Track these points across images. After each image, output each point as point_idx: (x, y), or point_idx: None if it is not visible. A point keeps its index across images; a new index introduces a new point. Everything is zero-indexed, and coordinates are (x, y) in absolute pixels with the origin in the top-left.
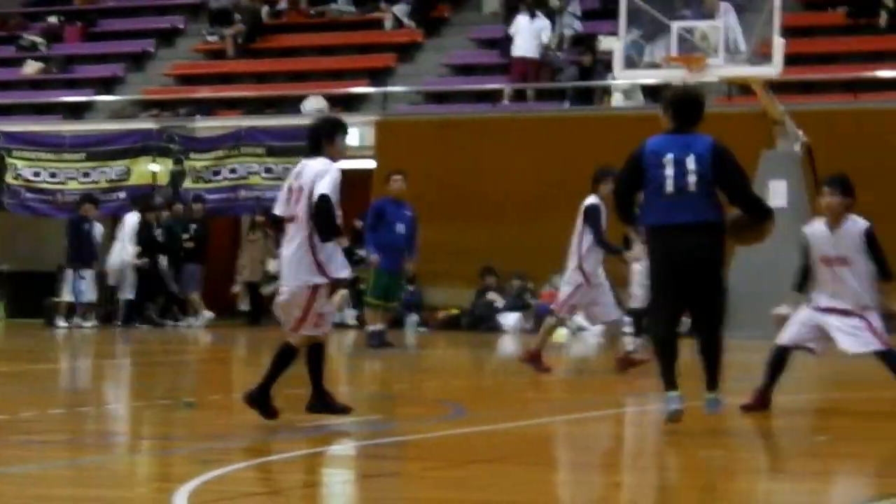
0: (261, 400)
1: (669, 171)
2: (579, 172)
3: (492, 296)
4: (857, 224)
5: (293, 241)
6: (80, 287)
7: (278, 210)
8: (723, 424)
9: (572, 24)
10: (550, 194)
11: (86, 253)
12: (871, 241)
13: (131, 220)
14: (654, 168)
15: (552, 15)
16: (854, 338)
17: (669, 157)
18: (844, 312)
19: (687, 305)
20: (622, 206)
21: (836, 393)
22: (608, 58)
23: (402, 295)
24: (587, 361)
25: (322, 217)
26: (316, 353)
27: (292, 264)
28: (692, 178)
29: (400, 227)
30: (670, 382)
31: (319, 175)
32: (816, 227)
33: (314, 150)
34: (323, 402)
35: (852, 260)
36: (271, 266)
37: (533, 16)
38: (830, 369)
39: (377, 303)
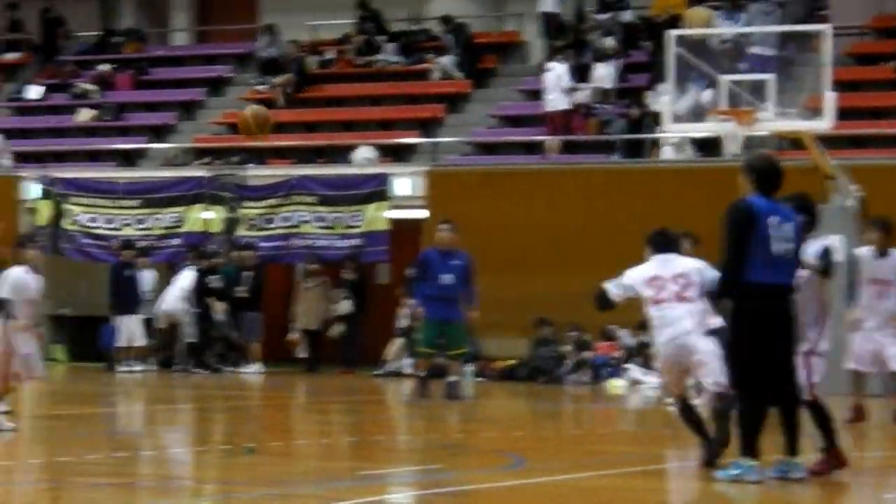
0: None
1: (774, 233)
2: (628, 224)
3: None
4: None
5: None
6: (119, 332)
7: None
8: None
9: (609, 78)
10: (600, 246)
11: (127, 299)
12: None
13: (188, 273)
14: (762, 229)
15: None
16: None
17: (774, 220)
18: None
19: (779, 365)
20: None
21: None
22: (656, 111)
23: (466, 343)
24: (646, 414)
25: None
26: None
27: None
28: (790, 245)
29: (446, 278)
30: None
31: None
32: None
33: None
34: None
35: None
36: (340, 307)
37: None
38: None
39: (425, 351)
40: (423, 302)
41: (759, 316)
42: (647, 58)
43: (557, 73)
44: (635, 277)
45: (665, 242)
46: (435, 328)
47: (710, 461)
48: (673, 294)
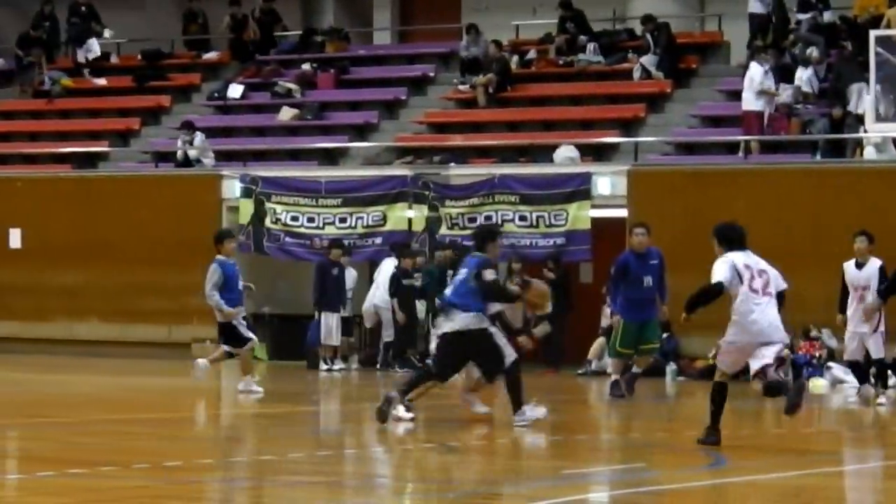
0: None
1: None
2: (830, 225)
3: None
4: None
5: None
6: (320, 331)
7: None
8: None
9: (810, 81)
10: (801, 246)
11: (333, 297)
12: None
13: (388, 265)
14: None
15: (793, 66)
16: None
17: None
18: None
19: None
20: None
21: None
22: (861, 111)
23: (658, 341)
24: (848, 413)
25: None
26: None
27: None
28: None
29: (648, 280)
30: None
31: None
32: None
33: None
34: None
35: None
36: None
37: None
38: None
39: (625, 352)
40: (624, 305)
41: None
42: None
43: (751, 74)
44: None
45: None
46: (636, 330)
47: None
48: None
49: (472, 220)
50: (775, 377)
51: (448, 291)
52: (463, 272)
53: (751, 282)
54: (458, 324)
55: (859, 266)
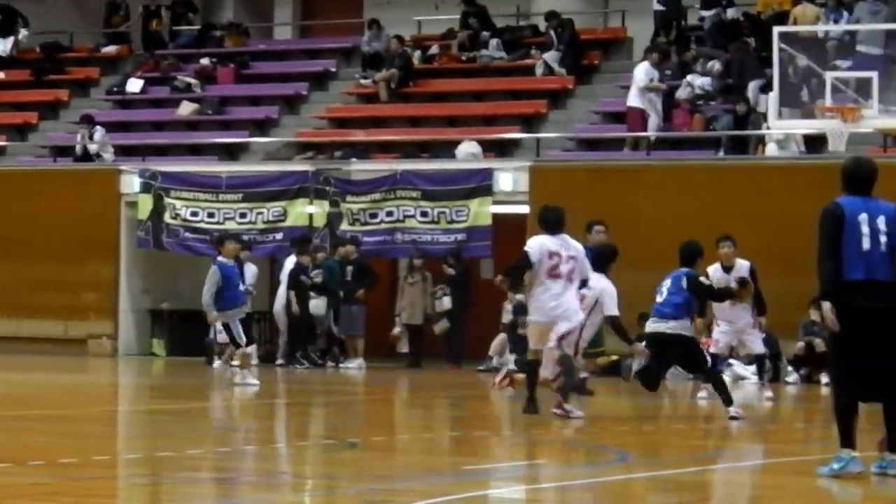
0: None
1: (865, 230)
2: (733, 220)
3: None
4: None
5: None
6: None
7: None
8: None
9: (699, 83)
10: (702, 242)
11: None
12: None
13: (291, 263)
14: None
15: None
16: None
17: (864, 217)
18: None
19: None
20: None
21: None
22: (760, 107)
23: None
24: (748, 409)
25: None
26: None
27: None
28: (883, 238)
29: None
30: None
31: None
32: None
33: None
34: None
35: None
36: (443, 303)
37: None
38: None
39: (595, 350)
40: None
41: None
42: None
43: (637, 71)
44: None
45: None
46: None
47: None
48: None
49: (374, 215)
50: (565, 353)
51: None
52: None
53: (554, 267)
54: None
55: (727, 270)
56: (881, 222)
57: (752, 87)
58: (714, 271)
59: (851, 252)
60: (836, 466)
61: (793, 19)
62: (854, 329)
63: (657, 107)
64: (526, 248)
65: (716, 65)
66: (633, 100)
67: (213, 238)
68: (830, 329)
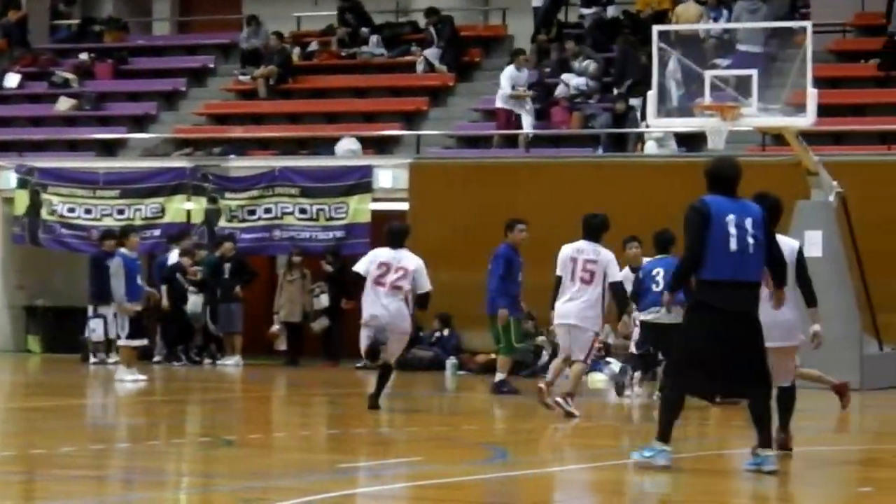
0: None
1: (732, 231)
2: (612, 218)
3: (540, 341)
4: None
5: None
6: (96, 324)
7: None
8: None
9: (574, 84)
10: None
11: (108, 290)
12: None
13: (172, 259)
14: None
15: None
16: None
17: (731, 217)
18: None
19: (735, 359)
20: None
21: (880, 444)
22: (642, 105)
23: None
24: (626, 408)
25: None
26: None
27: None
28: (751, 240)
29: (519, 276)
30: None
31: None
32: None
33: None
34: None
35: None
36: (320, 301)
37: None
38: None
39: (520, 347)
40: (511, 301)
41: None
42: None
43: (503, 76)
44: None
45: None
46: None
47: None
48: None
49: (252, 212)
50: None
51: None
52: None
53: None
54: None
55: (634, 270)
56: (749, 224)
57: (630, 85)
58: (625, 275)
59: (718, 251)
60: (647, 454)
61: (675, 18)
62: (708, 327)
63: (527, 107)
64: None
65: (591, 64)
66: (501, 101)
67: (98, 234)
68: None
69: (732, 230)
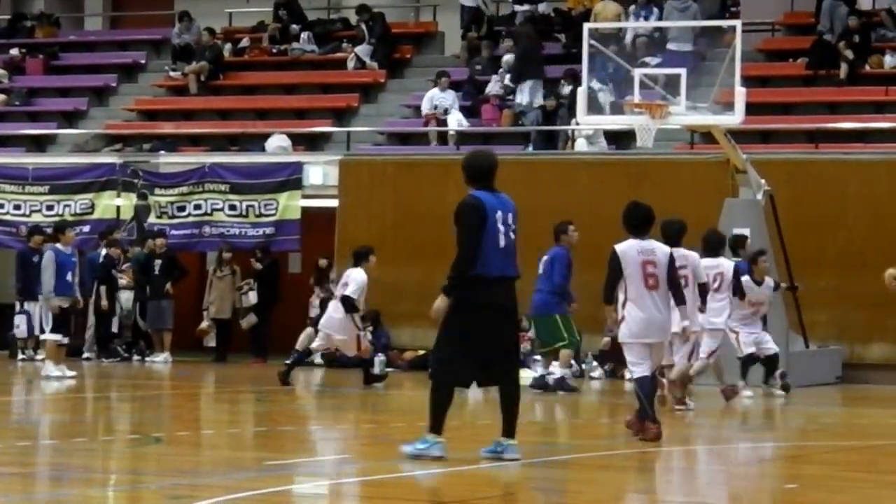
0: None
1: (501, 227)
2: (542, 215)
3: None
4: None
5: None
6: (20, 320)
7: None
8: (687, 466)
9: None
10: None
11: (35, 286)
12: None
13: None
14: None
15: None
16: None
17: (499, 214)
18: None
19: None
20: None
21: (804, 441)
22: (571, 102)
23: None
24: (552, 404)
25: None
26: None
27: None
28: (512, 235)
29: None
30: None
31: None
32: None
33: None
34: None
35: None
36: (248, 298)
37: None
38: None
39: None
40: (567, 299)
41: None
42: (562, 50)
43: (424, 101)
44: None
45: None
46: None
47: None
48: None
49: (182, 208)
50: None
51: None
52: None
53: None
54: None
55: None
56: (510, 219)
57: (525, 87)
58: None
59: (491, 248)
60: (420, 446)
61: (594, 16)
62: (478, 322)
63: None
64: None
65: (511, 59)
66: (426, 109)
67: (21, 232)
68: (435, 314)
69: (501, 227)
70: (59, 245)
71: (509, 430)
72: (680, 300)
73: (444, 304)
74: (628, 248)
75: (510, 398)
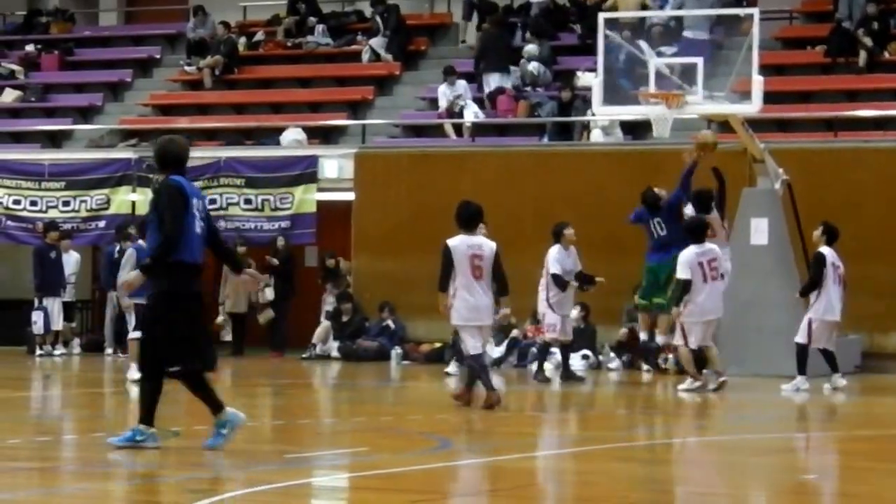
0: None
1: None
2: (558, 206)
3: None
4: None
5: None
6: (38, 316)
7: None
8: (703, 457)
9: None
10: (528, 228)
11: (52, 282)
12: None
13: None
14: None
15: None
16: None
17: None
18: None
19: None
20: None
21: (822, 431)
22: (587, 93)
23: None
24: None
25: None
26: None
27: None
28: (202, 223)
29: None
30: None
31: None
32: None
33: None
34: None
35: None
36: (265, 294)
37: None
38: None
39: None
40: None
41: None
42: (577, 40)
43: (440, 96)
44: None
45: None
46: None
47: None
48: None
49: None
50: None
51: None
52: None
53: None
54: None
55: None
56: (201, 205)
57: (492, 79)
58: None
59: (190, 234)
60: (138, 438)
61: (613, 3)
62: (185, 309)
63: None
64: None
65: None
66: (442, 101)
67: (38, 228)
68: (127, 287)
69: (196, 213)
70: (141, 242)
71: (217, 407)
72: (503, 291)
73: (138, 280)
74: (459, 243)
75: (200, 383)
